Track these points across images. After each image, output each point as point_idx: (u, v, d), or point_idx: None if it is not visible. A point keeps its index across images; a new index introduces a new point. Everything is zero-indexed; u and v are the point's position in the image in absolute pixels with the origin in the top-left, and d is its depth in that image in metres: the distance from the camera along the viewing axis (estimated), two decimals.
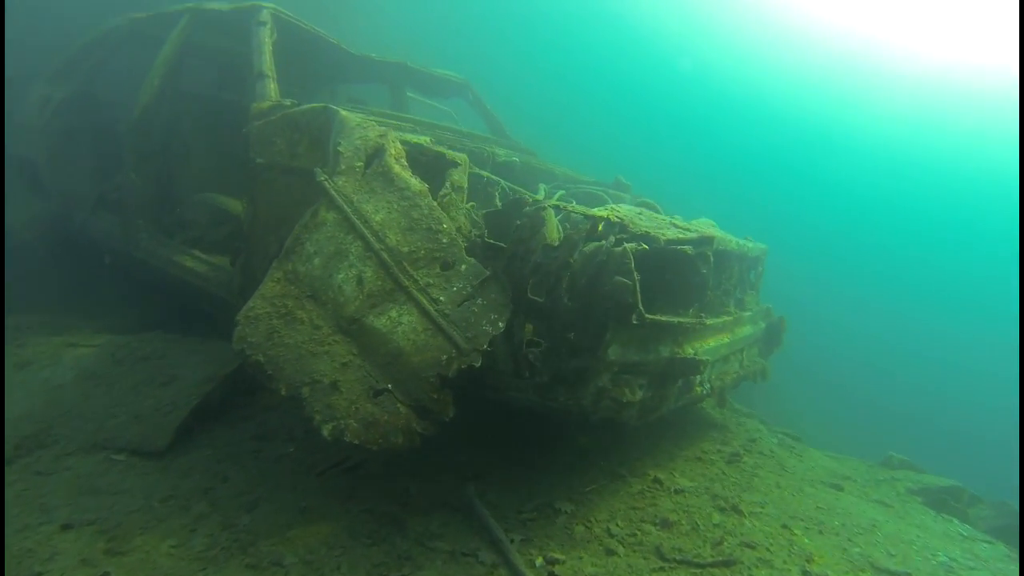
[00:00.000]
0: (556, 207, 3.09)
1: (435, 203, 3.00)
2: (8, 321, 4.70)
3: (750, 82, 39.62)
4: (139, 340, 4.42)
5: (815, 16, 41.02)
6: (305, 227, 2.97)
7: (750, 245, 4.20)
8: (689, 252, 2.82)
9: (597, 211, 2.84)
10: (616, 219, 2.74)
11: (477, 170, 4.23)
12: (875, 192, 34.53)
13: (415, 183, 3.05)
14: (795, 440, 4.98)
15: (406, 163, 3.19)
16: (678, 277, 3.01)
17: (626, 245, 2.60)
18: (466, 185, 3.53)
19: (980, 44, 37.63)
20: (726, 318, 3.68)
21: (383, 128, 3.31)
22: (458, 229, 3.31)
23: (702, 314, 3.14)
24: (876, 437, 10.79)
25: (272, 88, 4.17)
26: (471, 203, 3.88)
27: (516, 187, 4.44)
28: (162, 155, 5.32)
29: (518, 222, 2.85)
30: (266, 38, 4.51)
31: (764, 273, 4.79)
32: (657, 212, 4.19)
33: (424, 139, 3.98)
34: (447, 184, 3.35)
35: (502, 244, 2.90)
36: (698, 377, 3.22)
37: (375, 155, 3.17)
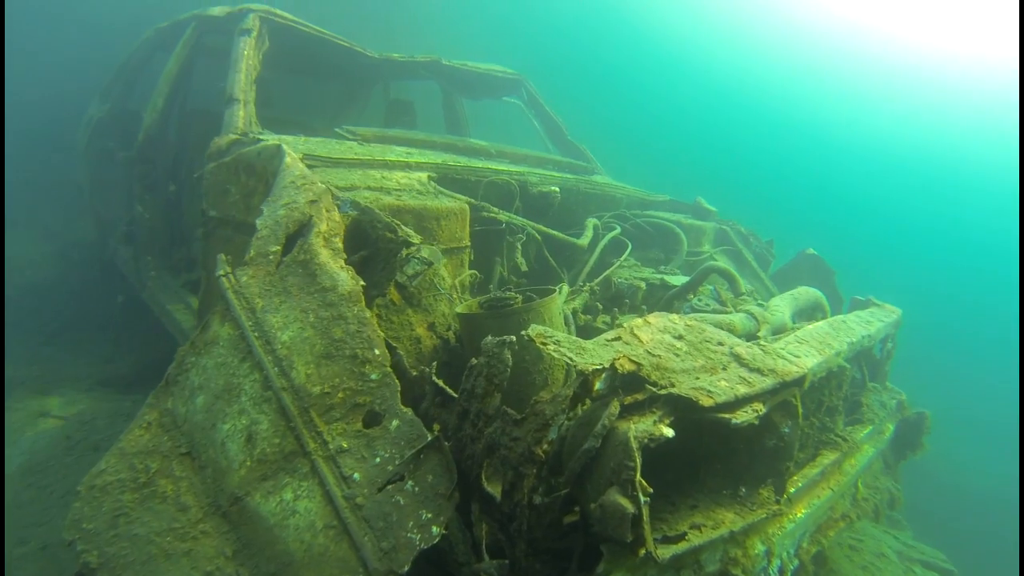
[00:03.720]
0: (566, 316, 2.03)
1: (368, 313, 2.05)
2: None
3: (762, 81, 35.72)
4: (108, 414, 3.88)
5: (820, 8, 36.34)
6: (192, 346, 2.12)
7: (875, 326, 2.87)
8: (755, 422, 1.67)
9: (597, 345, 1.74)
10: (630, 365, 1.64)
11: (494, 212, 3.22)
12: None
13: (344, 280, 2.11)
14: None
15: (340, 244, 2.25)
16: (743, 444, 1.88)
17: (635, 427, 1.51)
18: (442, 269, 2.56)
19: (985, 36, 32.99)
20: (829, 457, 2.46)
21: (319, 188, 2.37)
22: (417, 339, 2.36)
23: (781, 487, 1.97)
24: None
25: (241, 117, 3.35)
26: (471, 272, 2.89)
27: (548, 230, 3.37)
28: (169, 183, 4.72)
29: (473, 361, 1.83)
30: (247, 50, 3.69)
31: (896, 348, 3.44)
32: (735, 283, 2.96)
33: (419, 178, 3.03)
34: (408, 266, 2.39)
35: (453, 393, 1.90)
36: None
37: (300, 232, 2.26)
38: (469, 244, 2.97)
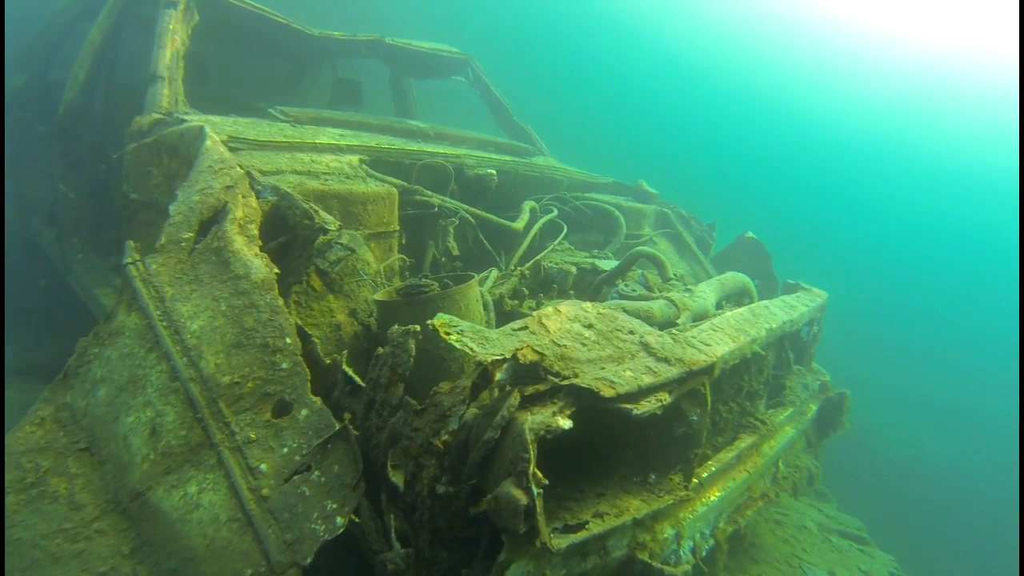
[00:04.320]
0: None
1: (280, 302, 2.01)
2: None
3: (753, 74, 36.14)
4: (25, 407, 3.76)
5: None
6: (95, 337, 2.06)
7: (798, 310, 2.95)
8: (657, 412, 1.69)
9: (502, 334, 1.74)
10: (532, 355, 1.64)
11: (427, 196, 3.18)
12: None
13: (258, 267, 2.07)
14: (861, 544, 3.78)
15: (256, 231, 2.19)
16: (653, 432, 1.92)
17: (531, 419, 1.52)
18: (366, 255, 2.53)
19: (981, 30, 33.50)
20: (746, 440, 2.53)
21: (237, 173, 2.31)
22: (337, 326, 2.33)
23: (690, 473, 2.01)
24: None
25: (164, 95, 3.22)
26: (399, 257, 2.86)
27: (483, 213, 3.34)
28: (98, 162, 4.53)
29: (379, 351, 1.81)
30: (172, 24, 3.54)
31: (822, 330, 3.54)
32: (663, 269, 3.00)
33: (348, 162, 2.97)
34: (331, 252, 2.35)
35: (362, 382, 1.89)
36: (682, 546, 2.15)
37: (215, 218, 2.19)
38: (398, 228, 2.93)
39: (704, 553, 2.38)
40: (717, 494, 2.29)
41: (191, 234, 2.14)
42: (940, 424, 11.47)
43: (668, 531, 2.00)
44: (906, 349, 17.05)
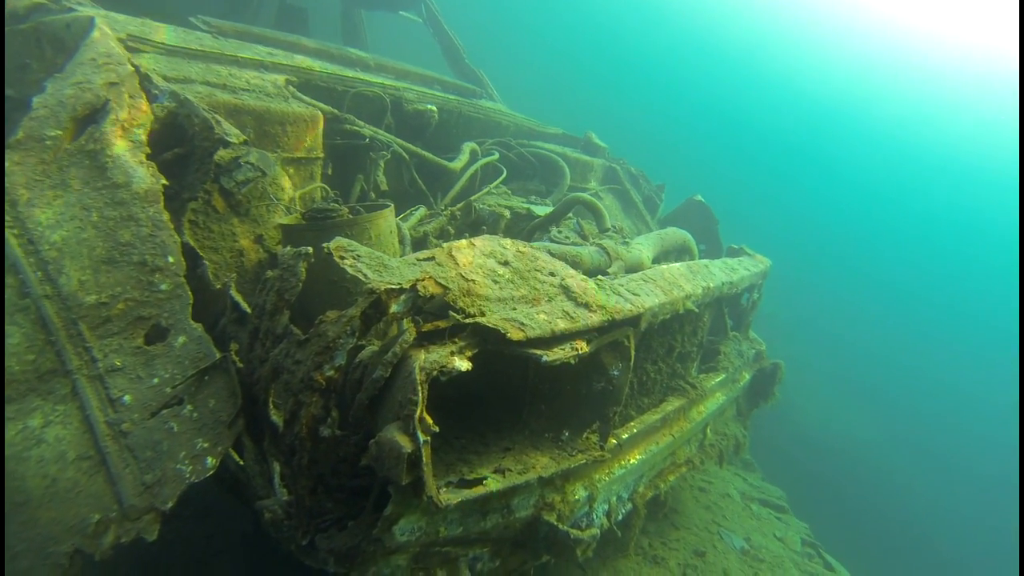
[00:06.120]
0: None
1: (165, 216, 1.76)
2: None
3: (764, 56, 36.28)
4: None
5: None
6: None
7: (739, 273, 2.83)
8: (571, 362, 1.53)
9: (404, 263, 1.53)
10: (435, 288, 1.45)
11: (358, 126, 2.92)
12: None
13: (142, 177, 1.81)
14: (779, 512, 3.79)
15: (145, 137, 1.92)
16: (570, 385, 1.77)
17: (425, 357, 1.33)
18: (282, 179, 2.28)
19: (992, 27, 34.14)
20: (674, 404, 2.41)
21: (125, 70, 2.01)
22: (239, 252, 2.09)
23: (607, 432, 1.87)
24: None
25: None
26: (320, 186, 2.62)
27: (418, 150, 3.09)
28: None
29: (268, 273, 1.59)
30: None
31: (762, 298, 3.46)
32: (600, 218, 2.83)
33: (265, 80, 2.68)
34: (239, 172, 2.10)
35: (248, 309, 1.67)
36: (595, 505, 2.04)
37: (92, 118, 1.91)
38: (322, 156, 2.68)
39: (620, 517, 2.28)
40: (638, 457, 2.18)
41: (59, 132, 1.85)
42: (869, 407, 11.89)
43: (580, 492, 1.87)
44: (848, 334, 17.57)
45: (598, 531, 1.92)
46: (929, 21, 35.11)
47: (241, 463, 1.78)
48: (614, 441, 1.95)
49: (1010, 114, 29.94)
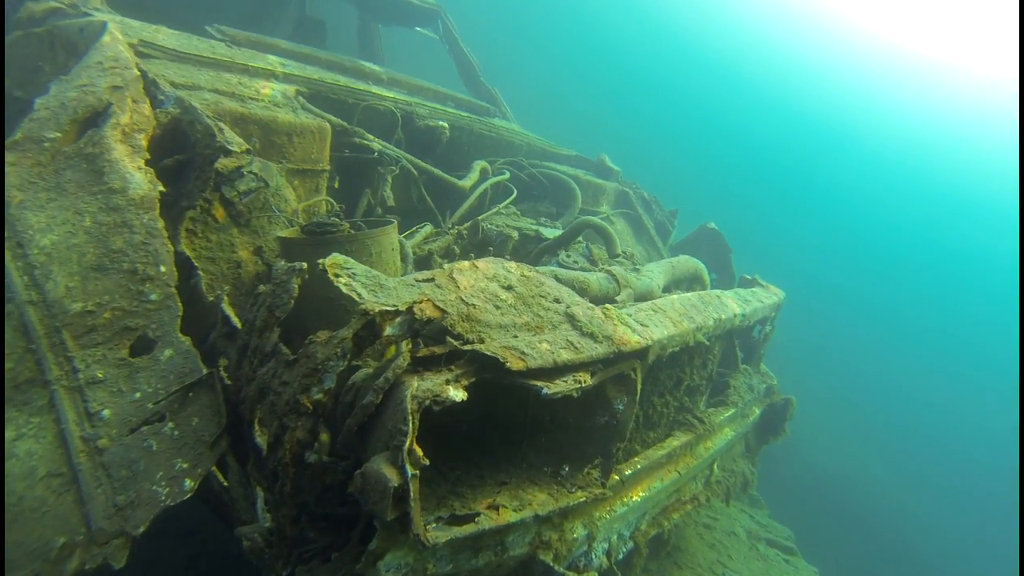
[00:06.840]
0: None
1: (160, 224, 1.70)
2: None
3: (763, 72, 36.47)
4: None
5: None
6: None
7: (752, 305, 2.74)
8: (574, 395, 1.45)
9: (402, 285, 1.46)
10: (433, 312, 1.37)
11: (368, 139, 2.87)
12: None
13: (139, 183, 1.75)
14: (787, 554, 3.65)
15: (145, 142, 1.87)
16: (572, 418, 1.68)
17: (418, 384, 1.25)
18: (286, 190, 2.23)
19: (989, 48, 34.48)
20: (680, 439, 2.31)
21: (130, 74, 1.97)
22: (237, 263, 2.03)
23: (609, 469, 1.78)
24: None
25: None
26: (325, 199, 2.56)
27: (427, 166, 3.04)
28: None
29: (259, 288, 1.53)
30: None
31: (775, 331, 3.36)
32: (611, 243, 2.75)
33: (269, 91, 2.65)
34: (241, 181, 2.04)
35: (238, 324, 1.60)
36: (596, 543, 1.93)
37: (93, 121, 1.86)
38: (328, 168, 2.63)
39: (620, 556, 2.17)
40: (641, 494, 2.08)
41: (58, 134, 1.80)
42: (881, 442, 11.65)
43: (579, 531, 1.78)
44: (860, 365, 17.37)
45: (596, 573, 1.82)
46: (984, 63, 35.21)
47: (225, 484, 1.70)
48: (616, 477, 1.86)
49: (1010, 146, 30.05)
